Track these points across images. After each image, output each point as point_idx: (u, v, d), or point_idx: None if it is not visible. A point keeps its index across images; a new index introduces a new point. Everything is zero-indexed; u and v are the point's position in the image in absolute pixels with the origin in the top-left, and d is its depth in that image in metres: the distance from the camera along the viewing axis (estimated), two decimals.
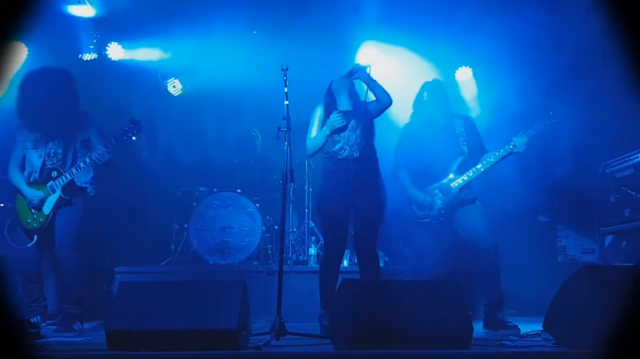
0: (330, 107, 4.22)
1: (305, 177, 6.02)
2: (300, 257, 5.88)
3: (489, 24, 5.52)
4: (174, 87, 6.56)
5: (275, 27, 6.01)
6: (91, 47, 6.18)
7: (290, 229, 6.00)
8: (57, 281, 4.62)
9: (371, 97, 4.18)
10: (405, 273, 5.17)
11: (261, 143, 6.55)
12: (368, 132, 4.16)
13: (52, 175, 4.24)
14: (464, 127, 4.50)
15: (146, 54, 6.30)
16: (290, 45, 5.70)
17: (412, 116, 4.69)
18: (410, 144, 4.53)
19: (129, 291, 3.29)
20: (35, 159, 4.29)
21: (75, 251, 4.25)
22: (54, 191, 4.23)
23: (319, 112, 4.27)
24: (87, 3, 5.79)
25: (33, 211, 4.25)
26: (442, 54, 5.97)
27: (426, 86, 4.65)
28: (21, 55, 5.26)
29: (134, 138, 4.30)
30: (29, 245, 4.24)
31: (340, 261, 4.20)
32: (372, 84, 4.14)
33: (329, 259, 4.12)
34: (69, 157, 4.30)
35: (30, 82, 4.26)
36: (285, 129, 3.89)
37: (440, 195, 4.39)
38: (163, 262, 5.77)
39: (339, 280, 3.71)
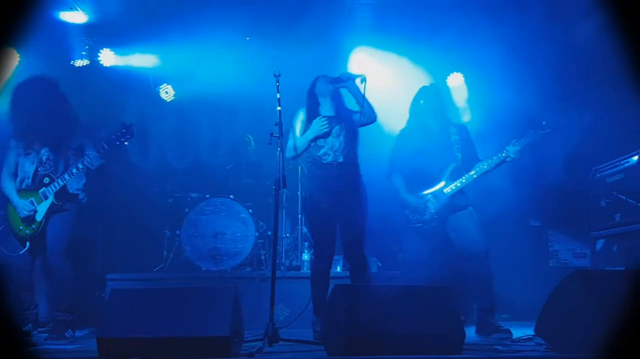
0: (312, 111, 4.22)
1: (298, 182, 5.99)
2: (294, 263, 5.88)
3: (481, 29, 5.55)
4: (167, 92, 6.57)
5: (268, 33, 6.03)
6: (83, 53, 6.20)
7: (284, 235, 6.00)
8: (49, 289, 4.57)
9: (357, 106, 4.19)
10: (398, 278, 5.19)
11: (254, 149, 6.55)
12: (351, 138, 4.18)
13: (45, 181, 4.22)
14: (459, 136, 4.50)
15: (138, 60, 6.31)
16: (282, 52, 5.72)
17: (408, 121, 4.69)
18: (405, 149, 4.53)
19: (120, 299, 3.28)
20: (27, 166, 4.28)
21: (67, 258, 4.22)
22: (46, 198, 4.20)
23: (301, 116, 4.27)
24: (79, 9, 5.79)
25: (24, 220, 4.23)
26: (434, 59, 6.00)
27: (423, 91, 4.63)
28: (13, 61, 5.22)
29: (126, 143, 4.27)
30: (21, 252, 4.20)
31: (330, 264, 4.22)
32: (360, 97, 4.15)
33: (318, 261, 4.16)
34: (61, 164, 4.27)
35: (22, 89, 4.24)
36: (277, 135, 3.89)
37: (433, 200, 4.39)
38: (155, 269, 5.75)
39: (331, 286, 3.72)
